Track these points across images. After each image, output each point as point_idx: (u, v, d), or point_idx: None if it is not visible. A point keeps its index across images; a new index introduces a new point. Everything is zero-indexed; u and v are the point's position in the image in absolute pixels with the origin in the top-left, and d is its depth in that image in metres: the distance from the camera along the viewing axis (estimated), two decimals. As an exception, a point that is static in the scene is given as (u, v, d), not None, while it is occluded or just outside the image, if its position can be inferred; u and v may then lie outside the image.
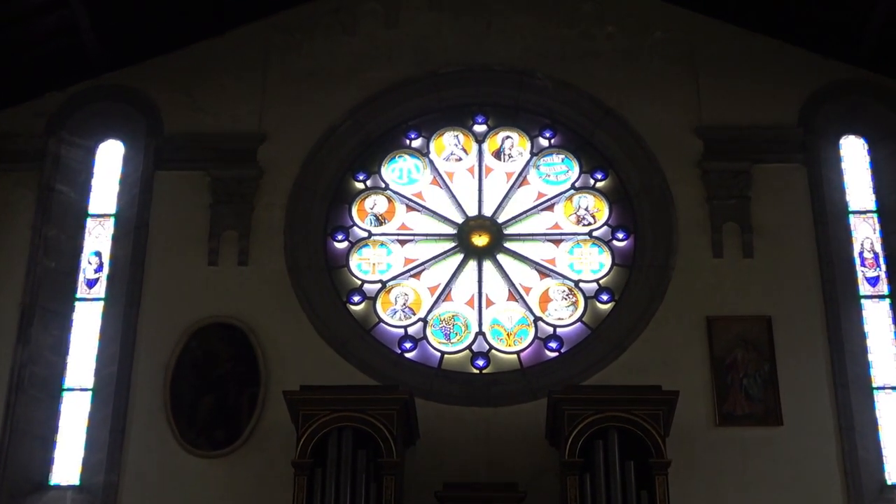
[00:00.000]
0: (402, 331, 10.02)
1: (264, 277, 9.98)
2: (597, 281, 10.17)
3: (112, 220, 10.44)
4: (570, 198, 10.55)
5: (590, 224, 10.42)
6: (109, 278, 10.19)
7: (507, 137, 10.82)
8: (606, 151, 10.57)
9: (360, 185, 10.65)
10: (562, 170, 10.66)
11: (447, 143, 10.83)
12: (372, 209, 10.52)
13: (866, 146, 10.44)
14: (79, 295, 10.21)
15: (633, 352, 9.68)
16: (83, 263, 10.28)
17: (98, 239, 10.39)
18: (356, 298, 10.13)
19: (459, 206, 10.55)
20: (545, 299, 10.09)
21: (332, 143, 10.56)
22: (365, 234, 10.43)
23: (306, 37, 10.81)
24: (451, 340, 9.96)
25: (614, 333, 9.82)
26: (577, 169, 10.65)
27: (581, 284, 10.17)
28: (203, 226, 10.15)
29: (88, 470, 9.53)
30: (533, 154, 10.74)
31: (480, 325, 10.03)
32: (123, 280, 10.07)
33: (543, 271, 10.26)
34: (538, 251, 10.35)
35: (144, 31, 10.47)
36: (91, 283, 10.26)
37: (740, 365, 9.52)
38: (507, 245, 10.37)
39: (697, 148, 10.30)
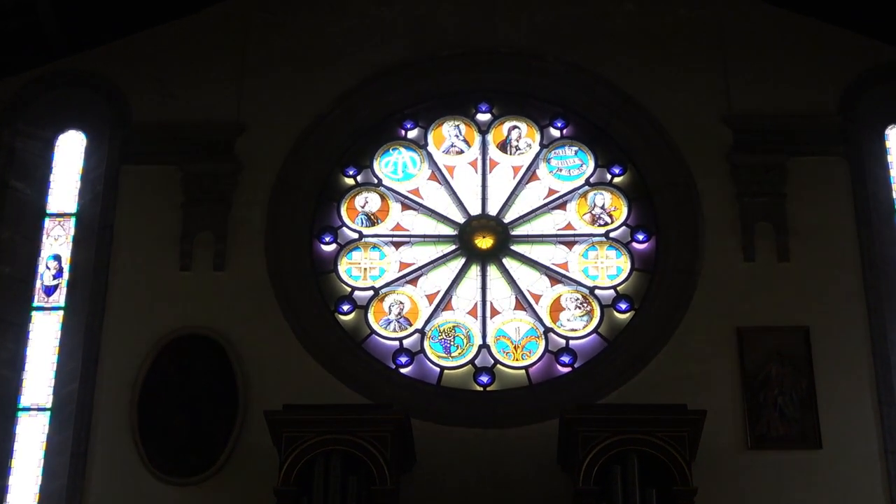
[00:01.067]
0: (396, 343, 10.00)
1: (243, 284, 9.99)
2: (614, 288, 10.16)
3: (73, 220, 10.43)
4: (585, 195, 10.54)
5: (606, 224, 10.42)
6: (70, 285, 10.17)
7: (514, 128, 10.83)
8: (625, 143, 10.58)
9: (349, 181, 10.63)
10: (575, 164, 10.67)
11: (447, 133, 10.83)
12: (363, 208, 10.53)
13: (915, 137, 10.44)
14: (36, 303, 10.19)
15: (654, 367, 9.67)
16: (41, 269, 10.27)
17: (57, 241, 10.39)
18: (346, 307, 10.11)
19: (461, 204, 10.55)
20: (557, 308, 10.09)
21: (318, 135, 10.56)
22: (355, 236, 10.43)
23: (290, 15, 10.82)
24: (452, 354, 9.96)
25: (634, 346, 9.81)
26: (591, 163, 10.64)
27: (597, 291, 10.16)
28: (175, 226, 10.15)
29: (47, 499, 9.48)
30: (543, 146, 10.73)
31: (484, 337, 10.02)
32: (85, 287, 10.05)
33: (555, 277, 10.25)
34: (549, 254, 10.34)
35: (109, 9, 10.43)
36: (49, 291, 10.25)
37: (774, 381, 9.50)
38: (514, 248, 10.36)
39: (726, 139, 10.31)
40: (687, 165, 10.27)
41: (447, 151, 10.78)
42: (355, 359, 9.84)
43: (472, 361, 9.93)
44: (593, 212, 10.47)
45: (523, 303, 10.14)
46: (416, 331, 10.05)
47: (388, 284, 10.23)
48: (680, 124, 10.36)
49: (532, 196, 10.58)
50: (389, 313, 10.11)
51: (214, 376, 9.63)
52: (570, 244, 10.35)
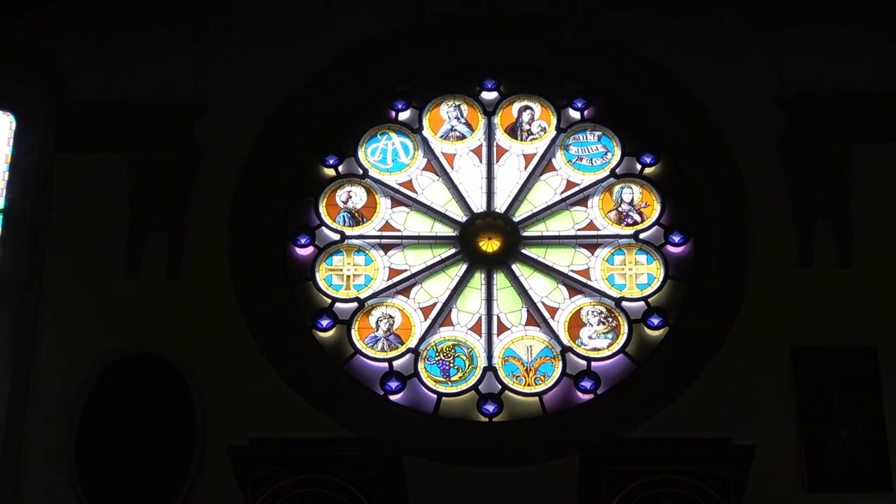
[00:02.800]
0: (385, 365, 9.99)
1: (203, 294, 10.00)
2: (645, 299, 10.16)
3: (-1, 217, 10.41)
4: (610, 189, 10.55)
5: (635, 223, 10.43)
6: (-5, 294, 10.11)
7: (526, 108, 10.86)
8: (658, 128, 10.62)
9: (329, 172, 10.65)
10: (598, 151, 10.70)
11: (446, 115, 10.85)
12: (346, 203, 10.55)
13: None
14: (-45, 316, 10.03)
15: (693, 394, 9.66)
16: (-39, 275, 10.15)
17: (-20, 243, 10.25)
18: (325, 322, 10.11)
19: (462, 199, 10.57)
20: (576, 323, 10.10)
21: (292, 117, 10.59)
22: (336, 237, 10.44)
23: (259, -24, 10.81)
24: (452, 378, 9.96)
25: (668, 369, 9.81)
26: (618, 150, 10.65)
27: (624, 304, 10.15)
28: (121, 226, 10.17)
29: (-34, 556, 9.34)
30: (560, 130, 10.75)
31: (490, 357, 10.03)
32: (14, 297, 10.00)
33: (574, 286, 10.27)
34: (567, 259, 10.36)
35: (45, -32, 10.50)
36: (-30, 302, 10.10)
37: (837, 411, 9.47)
38: (526, 251, 10.38)
39: (778, 123, 10.34)
40: (731, 154, 10.32)
41: (446, 137, 10.80)
42: (336, 384, 9.85)
43: (475, 387, 9.93)
44: (620, 209, 10.50)
45: (536, 317, 10.16)
46: (409, 350, 10.04)
47: (375, 295, 10.25)
48: (724, 105, 10.42)
49: (547, 190, 10.61)
50: (377, 329, 10.12)
51: (168, 405, 9.64)
52: (592, 247, 10.37)
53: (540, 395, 9.88)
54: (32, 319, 9.86)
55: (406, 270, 10.35)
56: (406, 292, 10.28)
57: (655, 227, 10.40)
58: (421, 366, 10.00)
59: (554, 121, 10.78)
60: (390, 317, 10.18)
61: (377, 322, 10.16)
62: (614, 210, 10.50)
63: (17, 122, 10.57)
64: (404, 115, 10.86)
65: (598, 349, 10.03)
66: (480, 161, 10.72)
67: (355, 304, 10.22)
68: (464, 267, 10.36)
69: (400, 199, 10.60)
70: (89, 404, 9.59)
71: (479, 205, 10.57)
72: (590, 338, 10.09)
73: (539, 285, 10.29)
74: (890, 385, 9.53)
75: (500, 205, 10.54)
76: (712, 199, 10.29)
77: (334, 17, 10.72)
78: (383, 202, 10.58)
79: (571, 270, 10.31)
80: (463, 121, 10.85)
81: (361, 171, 10.66)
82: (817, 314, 9.79)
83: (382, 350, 10.08)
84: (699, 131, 10.44)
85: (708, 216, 10.26)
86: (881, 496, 9.25)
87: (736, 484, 8.46)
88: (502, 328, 10.14)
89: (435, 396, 9.91)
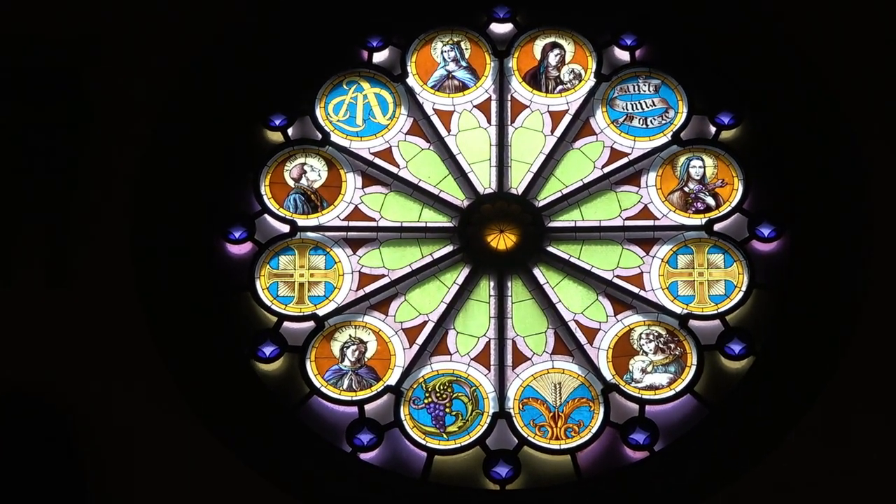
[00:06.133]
0: (354, 410, 9.98)
1: (98, 310, 10.01)
2: (720, 316, 10.14)
3: None
4: (673, 161, 10.58)
5: (708, 210, 10.43)
6: None
7: (554, 47, 10.90)
8: (739, 76, 10.66)
9: (275, 137, 10.70)
10: (655, 108, 10.73)
11: (440, 56, 10.92)
12: (298, 182, 10.56)
13: None
14: None
15: (788, 452, 9.66)
16: None
17: None
18: (269, 350, 10.12)
19: (463, 175, 10.59)
20: (624, 351, 10.11)
21: (223, 61, 10.63)
22: (285, 229, 10.46)
23: None
24: (448, 428, 9.94)
25: (755, 415, 9.79)
26: (683, 107, 10.69)
27: (692, 324, 10.12)
28: None
29: None
30: (602, 78, 10.79)
31: (503, 399, 10.02)
32: None
33: (620, 299, 10.27)
34: (610, 260, 10.36)
35: None
36: None
37: None
38: (554, 250, 10.40)
39: None
40: (844, 116, 10.36)
41: (440, 87, 10.85)
42: (284, 435, 9.84)
43: (481, 441, 9.90)
44: (686, 188, 10.47)
45: (568, 343, 10.17)
46: (388, 389, 10.02)
47: (340, 311, 10.25)
48: (833, 52, 10.51)
49: (583, 163, 10.62)
50: (342, 360, 10.12)
51: (47, 462, 9.64)
52: (646, 243, 10.39)
53: (573, 451, 9.87)
54: None
55: (384, 276, 10.35)
56: (383, 307, 10.29)
57: (736, 214, 10.38)
58: (405, 411, 9.98)
59: (593, 65, 10.83)
60: (361, 342, 10.17)
61: (343, 349, 10.15)
62: (678, 191, 10.49)
63: None
64: (381, 57, 10.91)
65: (656, 387, 10.02)
66: (489, 121, 10.73)
67: (311, 324, 10.19)
68: (465, 271, 10.36)
69: (375, 174, 10.61)
70: (-65, 463, 9.74)
71: (486, 183, 10.56)
72: (643, 371, 10.06)
73: (571, 297, 10.29)
74: None
75: (517, 183, 10.55)
76: (816, 178, 10.34)
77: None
78: (351, 180, 10.58)
79: (617, 276, 10.31)
80: (464, 64, 10.88)
81: (320, 136, 10.66)
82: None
83: (350, 389, 10.06)
84: (800, 86, 10.50)
85: (809, 200, 10.29)
86: None
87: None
88: (520, 358, 10.14)
89: (424, 454, 9.89)
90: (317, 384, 10.00)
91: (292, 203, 10.47)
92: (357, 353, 10.08)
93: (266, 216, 10.41)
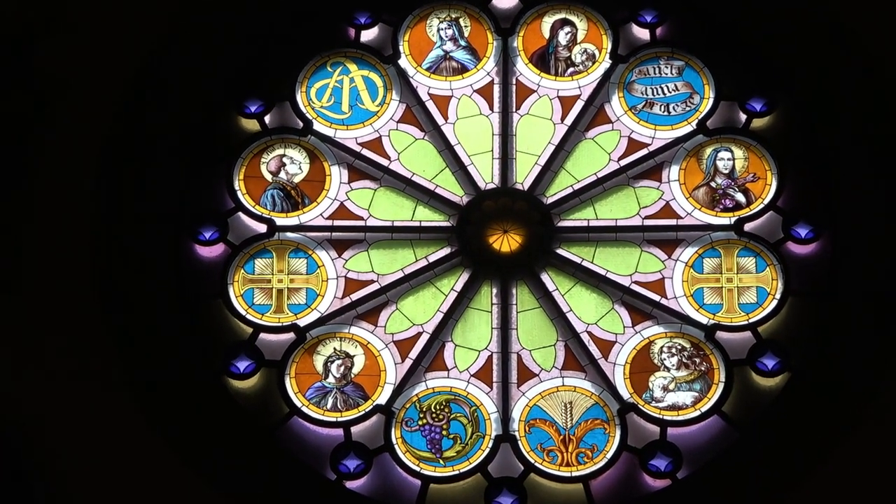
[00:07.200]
0: (340, 433, 9.96)
1: (51, 320, 10.01)
2: (752, 328, 10.12)
3: None
4: (698, 152, 10.60)
5: (738, 208, 10.43)
6: None
7: (564, 24, 10.93)
8: (772, 58, 10.67)
9: (250, 125, 10.70)
10: (679, 93, 10.75)
11: (436, 35, 10.96)
12: (276, 175, 10.57)
13: None
14: None
15: (830, 480, 9.63)
16: None
17: None
18: (243, 365, 10.11)
19: (462, 168, 10.60)
20: (644, 366, 10.12)
21: (189, 39, 10.68)
22: (262, 228, 10.48)
23: None
24: (445, 453, 9.92)
25: (789, 439, 9.76)
26: (710, 92, 10.72)
27: (720, 335, 10.11)
28: None
29: None
30: (619, 59, 10.82)
31: (506, 421, 10.01)
32: None
33: (640, 308, 10.27)
34: (628, 264, 10.39)
35: None
36: None
37: None
38: (564, 252, 10.41)
39: None
40: (894, 102, 10.37)
41: (436, 69, 10.88)
42: (261, 461, 9.82)
43: (482, 467, 9.86)
44: (713, 183, 10.47)
45: (579, 356, 10.15)
46: (377, 409, 9.97)
47: (323, 321, 10.23)
48: (881, 26, 10.49)
49: (597, 154, 10.61)
50: (326, 376, 10.10)
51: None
52: (668, 245, 10.40)
53: (585, 479, 9.83)
54: None
55: (372, 282, 10.33)
56: (372, 317, 10.27)
57: (769, 213, 10.38)
58: (396, 434, 9.97)
59: (608, 44, 10.86)
60: (347, 356, 10.16)
61: (326, 364, 10.14)
62: (704, 186, 10.49)
63: None
64: (369, 35, 10.93)
65: (679, 407, 10.01)
66: (491, 108, 10.74)
67: (291, 336, 10.17)
68: (464, 276, 10.36)
69: (363, 168, 10.60)
70: None
71: (488, 178, 10.54)
72: (665, 389, 10.04)
73: (584, 306, 10.30)
74: None
75: (523, 178, 10.54)
76: (859, 172, 10.32)
77: None
78: (336, 173, 10.59)
79: (635, 283, 10.31)
80: (463, 44, 10.90)
81: (301, 124, 10.67)
82: None
83: (335, 409, 10.05)
84: (843, 62, 10.53)
85: (852, 197, 10.27)
86: None
87: None
88: (526, 374, 10.13)
89: (418, 483, 9.87)
90: (297, 403, 9.96)
91: (270, 200, 10.46)
92: (342, 368, 10.06)
93: (240, 214, 10.40)
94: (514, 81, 10.70)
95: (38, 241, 10.12)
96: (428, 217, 10.42)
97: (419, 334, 10.13)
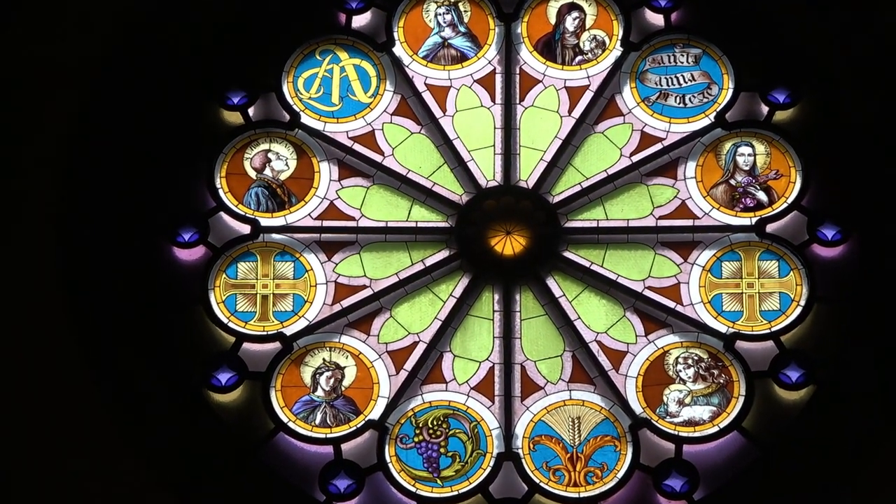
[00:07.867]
0: (329, 450, 9.96)
1: (15, 327, 10.02)
2: (774, 337, 10.09)
3: None
4: (717, 147, 10.61)
5: (759, 207, 10.43)
6: None
7: (572, 9, 10.96)
8: (796, 46, 10.70)
9: (233, 118, 10.71)
10: (696, 83, 10.76)
11: (433, 21, 11.00)
12: (261, 172, 10.57)
13: None
14: None
15: (860, 501, 9.68)
16: None
17: None
18: (225, 377, 10.09)
19: (462, 164, 10.60)
20: (658, 378, 10.11)
21: (167, 25, 10.71)
22: (245, 230, 10.47)
23: None
24: (443, 472, 9.93)
25: (815, 457, 9.76)
26: (729, 82, 10.73)
27: (740, 345, 10.11)
28: None
29: None
30: (631, 47, 10.85)
31: (509, 437, 10.00)
32: None
33: (653, 316, 10.25)
34: (641, 268, 10.38)
35: None
36: None
37: None
38: (571, 255, 10.39)
39: None
40: None
41: (433, 58, 10.90)
42: (244, 480, 9.83)
43: (483, 487, 9.88)
44: (732, 181, 10.45)
45: (588, 368, 10.15)
46: (370, 425, 9.96)
47: (311, 330, 10.22)
48: None
49: (607, 149, 10.60)
50: (315, 389, 10.07)
51: None
52: (684, 247, 10.36)
53: (595, 500, 9.85)
54: None
55: (365, 288, 10.32)
56: (365, 325, 10.27)
57: (793, 213, 10.37)
58: (390, 451, 9.97)
59: (619, 31, 10.88)
60: (337, 367, 10.16)
61: (315, 376, 10.14)
62: (723, 183, 10.48)
63: None
64: (361, 21, 10.95)
65: (695, 423, 9.98)
66: (493, 99, 10.75)
67: (277, 346, 10.16)
68: (464, 281, 10.35)
69: (354, 164, 10.59)
70: None
71: (490, 175, 10.53)
72: (681, 403, 10.03)
73: (593, 313, 10.30)
74: None
75: (527, 175, 10.54)
76: (891, 167, 10.34)
77: None
78: (325, 170, 10.59)
79: (649, 288, 10.31)
80: (463, 30, 10.92)
81: (288, 117, 10.68)
82: None
83: (324, 424, 10.04)
84: (873, 51, 10.52)
85: (882, 196, 10.29)
86: None
87: None
88: (530, 387, 10.11)
89: (414, 503, 9.81)
90: (284, 418, 9.97)
91: (254, 198, 10.48)
92: (332, 380, 10.07)
93: (222, 214, 10.41)
94: (517, 71, 10.72)
95: (4, 243, 10.13)
96: (424, 217, 10.43)
97: (415, 344, 10.14)
